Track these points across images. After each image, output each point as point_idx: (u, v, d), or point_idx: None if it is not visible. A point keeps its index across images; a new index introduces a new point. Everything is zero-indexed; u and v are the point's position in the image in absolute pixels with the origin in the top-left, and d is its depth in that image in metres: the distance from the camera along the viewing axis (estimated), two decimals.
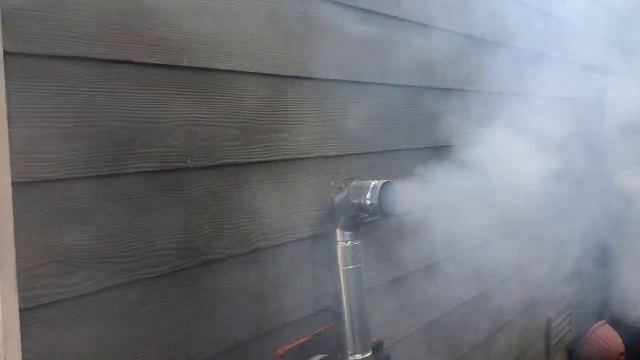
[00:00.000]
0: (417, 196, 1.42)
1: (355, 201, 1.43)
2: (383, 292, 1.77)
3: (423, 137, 1.88)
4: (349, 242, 1.46)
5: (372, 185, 1.41)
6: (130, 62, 1.10)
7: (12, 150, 0.93)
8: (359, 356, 1.46)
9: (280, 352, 1.44)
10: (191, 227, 1.22)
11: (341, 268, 1.47)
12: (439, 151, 1.87)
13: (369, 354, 1.47)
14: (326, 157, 1.58)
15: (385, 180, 1.41)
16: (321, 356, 1.53)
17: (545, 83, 2.35)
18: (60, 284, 0.99)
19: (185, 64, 1.20)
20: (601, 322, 3.47)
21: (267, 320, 1.41)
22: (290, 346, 1.47)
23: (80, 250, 1.02)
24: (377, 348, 1.72)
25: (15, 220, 0.94)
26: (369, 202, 1.40)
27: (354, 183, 1.47)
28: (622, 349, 3.37)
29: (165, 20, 1.16)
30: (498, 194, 1.84)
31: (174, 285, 1.19)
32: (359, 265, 1.47)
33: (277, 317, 1.44)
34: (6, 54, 0.93)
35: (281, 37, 1.42)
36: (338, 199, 1.47)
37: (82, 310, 1.03)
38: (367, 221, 1.49)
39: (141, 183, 1.12)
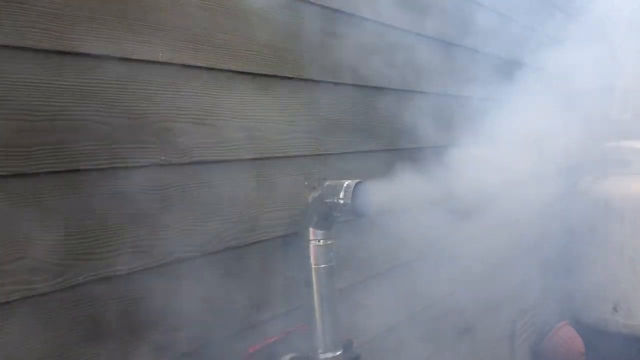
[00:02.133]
0: (388, 196, 1.44)
1: (328, 200, 1.44)
2: (352, 292, 1.79)
3: (394, 138, 1.90)
4: (321, 241, 1.46)
5: (345, 185, 1.42)
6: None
7: None
8: (329, 354, 1.47)
9: (251, 350, 1.44)
10: (161, 224, 1.21)
11: (313, 267, 1.47)
12: (409, 152, 1.90)
13: (339, 352, 1.48)
14: (300, 157, 1.59)
15: (358, 180, 1.42)
16: (291, 355, 1.53)
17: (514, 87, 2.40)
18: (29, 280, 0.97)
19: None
20: (562, 323, 3.57)
21: (237, 319, 1.41)
22: (260, 345, 1.47)
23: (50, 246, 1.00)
24: (347, 346, 1.73)
25: None
26: (342, 202, 1.41)
27: (327, 182, 1.47)
28: (582, 348, 3.47)
29: None
30: (460, 197, 1.87)
31: (137, 283, 1.17)
32: (331, 264, 1.48)
33: (247, 316, 1.44)
34: None
35: (262, 37, 1.42)
36: (311, 198, 1.48)
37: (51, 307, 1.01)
38: (339, 220, 1.50)
39: (114, 178, 1.11)
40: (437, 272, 2.26)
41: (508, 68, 2.72)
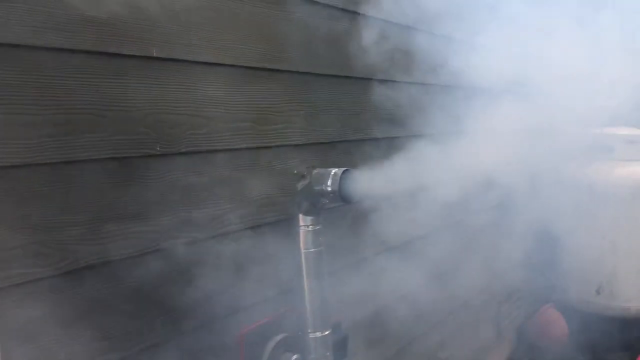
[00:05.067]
0: (375, 184, 1.51)
1: (317, 188, 1.51)
2: (341, 275, 1.87)
3: (382, 128, 1.97)
4: (310, 227, 1.53)
5: (332, 173, 1.49)
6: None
7: None
8: (318, 333, 1.54)
9: (243, 331, 1.51)
10: (157, 212, 1.27)
11: (302, 251, 1.54)
12: (396, 141, 1.97)
13: (327, 332, 1.56)
14: (292, 146, 1.66)
15: (345, 168, 1.49)
16: (282, 335, 1.61)
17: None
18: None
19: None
20: (547, 305, 3.67)
21: (231, 301, 1.48)
22: (253, 326, 1.54)
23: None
24: (335, 327, 1.81)
25: None
26: (329, 189, 1.48)
27: (315, 170, 1.54)
28: (565, 329, 3.58)
29: None
30: (447, 183, 1.93)
31: (138, 268, 1.24)
32: (319, 248, 1.55)
33: (241, 298, 1.51)
34: None
35: (250, 30, 1.47)
36: (301, 185, 1.54)
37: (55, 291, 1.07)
38: (327, 207, 1.57)
39: (112, 168, 1.17)
40: (423, 256, 2.34)
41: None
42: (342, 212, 1.82)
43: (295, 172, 1.65)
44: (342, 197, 1.46)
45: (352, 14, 1.85)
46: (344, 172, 1.48)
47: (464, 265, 2.79)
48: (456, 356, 2.80)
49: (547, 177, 3.67)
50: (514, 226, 3.26)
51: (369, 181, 1.50)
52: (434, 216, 2.17)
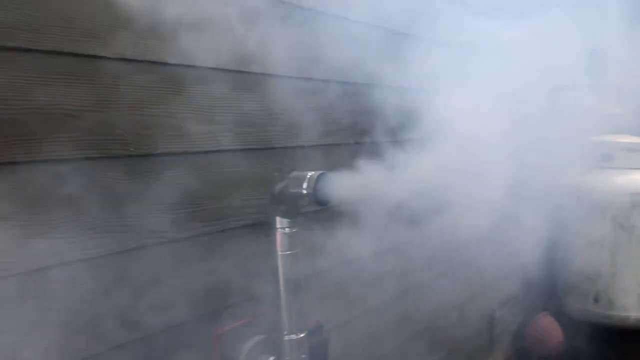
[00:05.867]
0: (352, 187, 1.51)
1: (293, 190, 1.51)
2: (326, 277, 1.88)
3: (365, 132, 1.98)
4: (286, 229, 1.54)
5: (308, 176, 1.49)
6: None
7: None
8: (293, 336, 1.55)
9: (219, 332, 1.53)
10: (133, 212, 1.29)
11: (279, 253, 1.55)
12: (380, 145, 1.97)
13: (303, 335, 1.56)
14: (272, 149, 1.67)
15: (321, 171, 1.50)
16: (260, 337, 1.62)
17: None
18: None
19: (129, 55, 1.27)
20: (542, 313, 3.65)
21: (208, 301, 1.49)
22: (229, 327, 1.55)
23: None
24: (317, 331, 1.82)
25: None
26: (305, 192, 1.49)
27: (293, 173, 1.55)
28: (560, 337, 3.56)
29: None
30: (439, 186, 1.92)
31: (111, 266, 1.26)
32: (295, 251, 1.56)
33: (218, 299, 1.52)
34: None
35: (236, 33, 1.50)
36: (278, 188, 1.55)
37: None
38: (305, 210, 1.57)
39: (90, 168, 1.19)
40: (418, 260, 2.34)
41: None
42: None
43: (276, 174, 1.66)
44: (316, 200, 1.47)
45: None
46: (319, 175, 1.49)
47: (457, 271, 2.79)
48: None
49: (545, 184, 3.65)
50: (508, 234, 3.25)
51: (346, 185, 1.51)
52: (428, 220, 2.17)
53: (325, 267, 1.86)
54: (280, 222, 1.55)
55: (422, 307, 2.49)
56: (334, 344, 1.82)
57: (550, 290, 3.89)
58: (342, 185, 1.51)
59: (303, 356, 1.56)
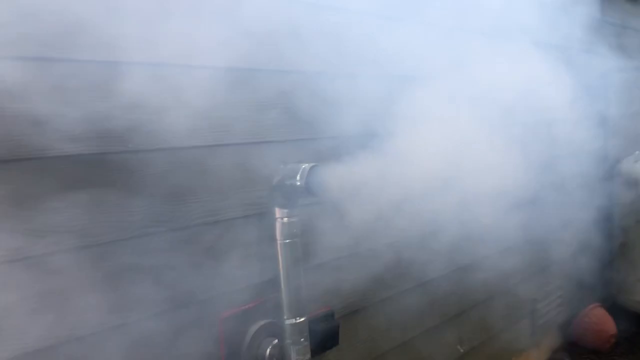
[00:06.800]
0: (344, 178, 1.56)
1: (288, 182, 1.58)
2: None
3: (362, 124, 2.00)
4: (285, 219, 1.62)
5: (302, 168, 1.56)
6: None
7: None
8: (293, 320, 1.62)
9: (224, 315, 1.63)
10: (137, 204, 1.42)
11: (278, 242, 1.63)
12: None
13: (302, 319, 1.64)
14: (274, 142, 1.75)
15: (313, 163, 1.56)
16: (266, 320, 1.70)
17: None
18: None
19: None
20: (594, 304, 3.51)
21: (214, 286, 1.59)
22: (234, 311, 1.65)
23: None
24: (328, 316, 1.89)
25: None
26: (298, 183, 1.55)
27: (289, 165, 1.62)
28: (613, 330, 3.41)
29: None
30: (487, 173, 1.90)
31: (115, 254, 1.38)
32: (294, 240, 1.63)
33: (224, 284, 1.62)
34: None
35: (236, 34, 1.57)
36: (276, 179, 1.63)
37: None
38: (299, 200, 1.63)
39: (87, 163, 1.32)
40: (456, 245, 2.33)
41: None
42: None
43: (282, 166, 1.74)
44: (308, 191, 1.53)
45: None
46: (312, 166, 1.55)
47: (503, 259, 2.74)
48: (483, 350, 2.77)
49: (604, 172, 3.52)
50: (562, 223, 3.15)
51: (338, 176, 1.56)
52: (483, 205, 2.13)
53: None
54: (279, 212, 1.63)
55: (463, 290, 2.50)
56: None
57: (603, 282, 3.72)
58: (335, 176, 1.55)
59: (302, 339, 1.63)
